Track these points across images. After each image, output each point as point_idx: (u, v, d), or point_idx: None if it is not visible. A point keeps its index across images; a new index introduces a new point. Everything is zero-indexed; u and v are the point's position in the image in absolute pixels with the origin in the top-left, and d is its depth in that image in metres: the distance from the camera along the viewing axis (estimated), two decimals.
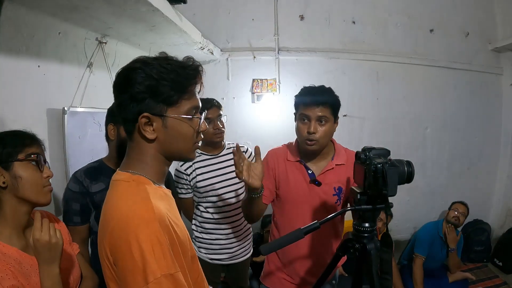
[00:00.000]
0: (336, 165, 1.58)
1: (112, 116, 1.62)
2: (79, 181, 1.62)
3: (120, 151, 1.55)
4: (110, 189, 0.89)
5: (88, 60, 2.15)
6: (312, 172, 1.58)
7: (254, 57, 3.38)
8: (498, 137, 3.79)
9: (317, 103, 1.47)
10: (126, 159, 0.92)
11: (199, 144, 0.95)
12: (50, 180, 1.16)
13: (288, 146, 1.69)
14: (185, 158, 0.95)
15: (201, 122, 0.92)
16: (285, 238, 1.08)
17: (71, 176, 1.70)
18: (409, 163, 1.08)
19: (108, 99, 2.22)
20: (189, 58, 0.90)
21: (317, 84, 1.58)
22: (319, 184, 1.56)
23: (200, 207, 2.17)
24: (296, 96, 1.58)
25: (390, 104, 3.55)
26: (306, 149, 1.55)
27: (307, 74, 3.35)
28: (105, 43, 2.23)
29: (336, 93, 1.55)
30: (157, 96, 0.84)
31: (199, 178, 2.08)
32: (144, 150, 0.89)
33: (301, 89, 1.58)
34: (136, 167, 0.89)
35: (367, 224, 1.13)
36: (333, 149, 1.64)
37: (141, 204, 0.81)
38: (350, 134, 3.48)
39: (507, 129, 3.74)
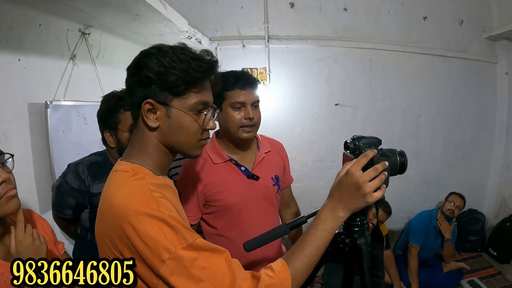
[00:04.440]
0: (265, 153, 1.51)
1: (104, 122, 1.56)
2: (81, 177, 1.54)
3: None
4: (108, 179, 0.87)
5: (71, 52, 2.09)
6: (245, 168, 1.45)
7: (244, 46, 3.31)
8: (492, 126, 3.75)
9: (252, 87, 1.38)
10: (129, 148, 0.91)
11: (206, 142, 0.92)
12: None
13: (208, 149, 1.46)
14: (187, 153, 0.91)
15: (207, 119, 0.88)
16: (269, 234, 1.04)
17: (70, 166, 1.62)
18: (401, 153, 1.02)
19: (93, 92, 2.19)
20: (208, 52, 0.88)
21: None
22: (257, 178, 1.44)
23: None
24: (224, 84, 1.37)
25: (383, 93, 3.50)
26: (240, 139, 1.39)
27: (298, 62, 3.28)
28: (89, 34, 2.16)
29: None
30: (164, 83, 0.82)
31: None
32: (146, 138, 0.87)
33: (227, 77, 1.38)
34: (137, 157, 0.87)
35: (357, 218, 1.08)
36: (253, 138, 1.50)
37: (138, 188, 0.79)
38: (342, 124, 3.37)
39: (501, 118, 3.70)
